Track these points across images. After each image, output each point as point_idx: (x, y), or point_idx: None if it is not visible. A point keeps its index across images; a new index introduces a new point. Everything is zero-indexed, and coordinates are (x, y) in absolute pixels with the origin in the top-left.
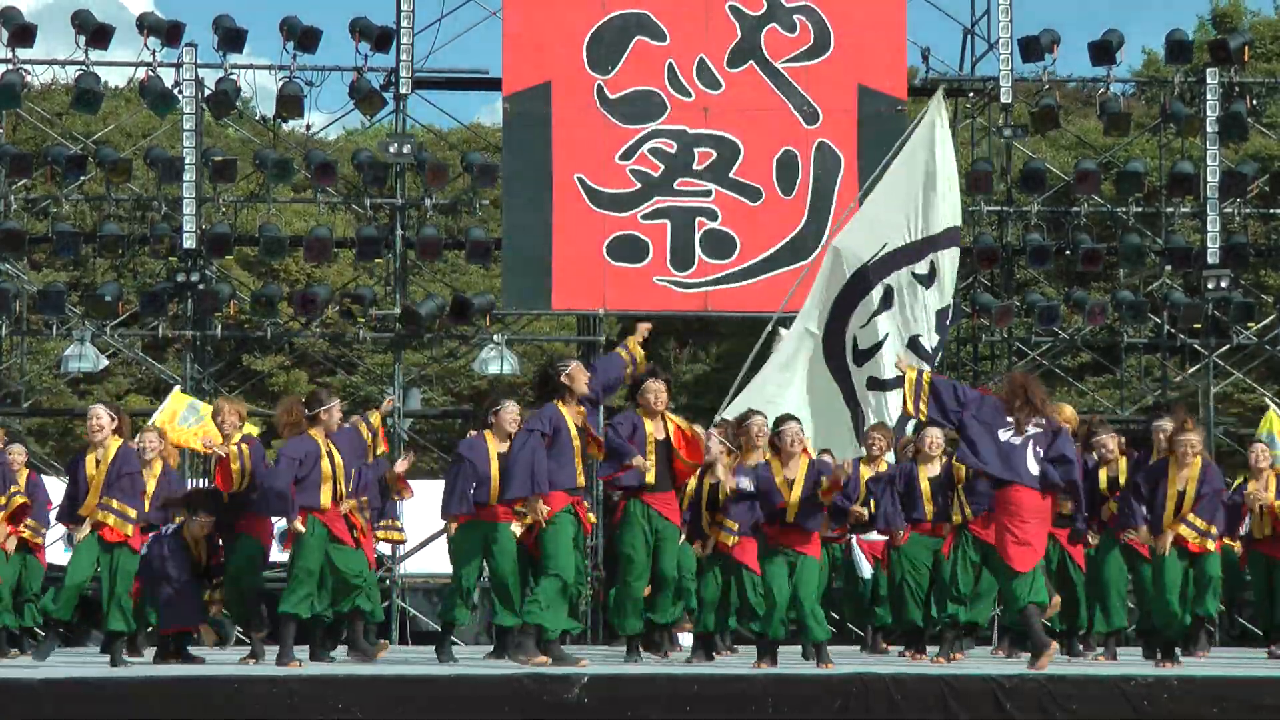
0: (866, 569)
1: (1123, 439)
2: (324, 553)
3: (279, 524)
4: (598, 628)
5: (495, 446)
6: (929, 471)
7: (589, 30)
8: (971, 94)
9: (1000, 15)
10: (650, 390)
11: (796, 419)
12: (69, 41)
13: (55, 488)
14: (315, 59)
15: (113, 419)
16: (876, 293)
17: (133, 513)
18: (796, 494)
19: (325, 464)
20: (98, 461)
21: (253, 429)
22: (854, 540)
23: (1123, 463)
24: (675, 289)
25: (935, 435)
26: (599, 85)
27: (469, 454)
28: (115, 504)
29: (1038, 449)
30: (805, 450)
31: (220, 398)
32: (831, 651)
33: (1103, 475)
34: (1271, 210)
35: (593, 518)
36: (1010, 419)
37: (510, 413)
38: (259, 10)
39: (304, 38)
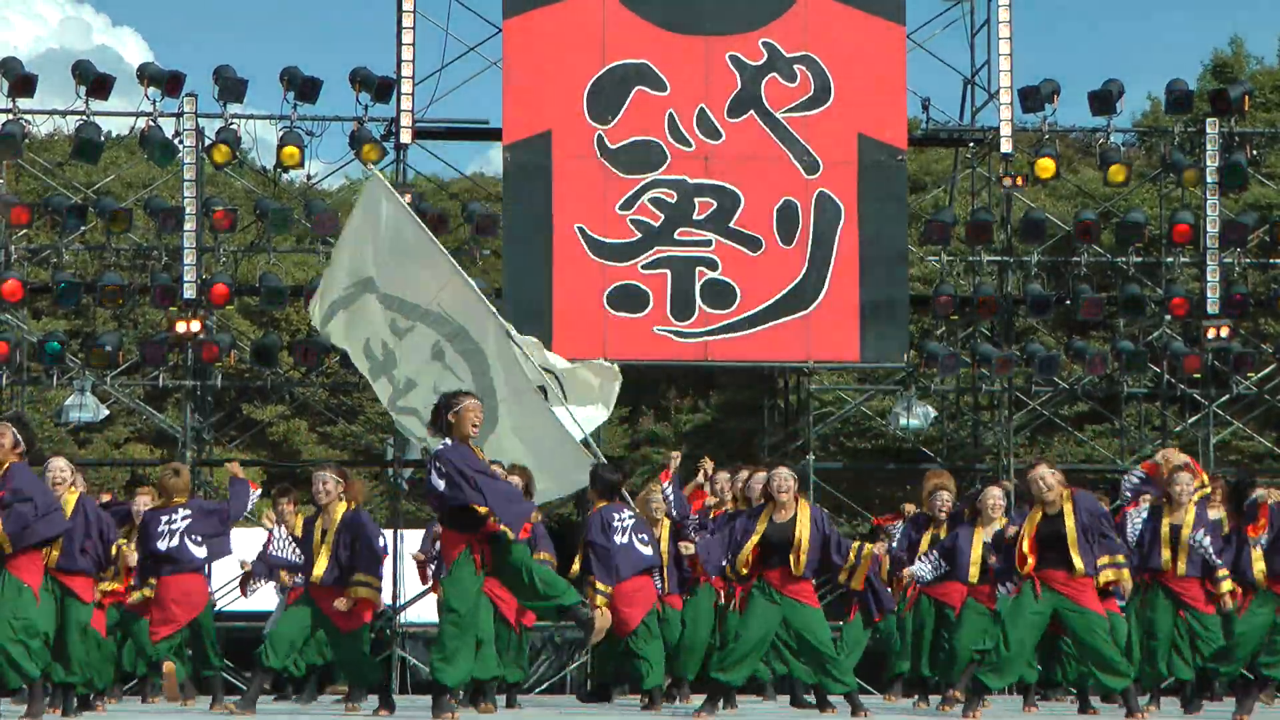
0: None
1: None
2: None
3: None
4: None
5: None
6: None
7: (589, 80)
8: (972, 144)
9: (1000, 65)
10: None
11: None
12: (68, 91)
13: None
14: (315, 109)
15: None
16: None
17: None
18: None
19: None
20: None
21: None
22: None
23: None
24: (675, 339)
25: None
26: (599, 135)
27: None
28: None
29: None
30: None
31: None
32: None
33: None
34: (1271, 260)
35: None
36: None
37: None
38: (260, 61)
39: (304, 88)
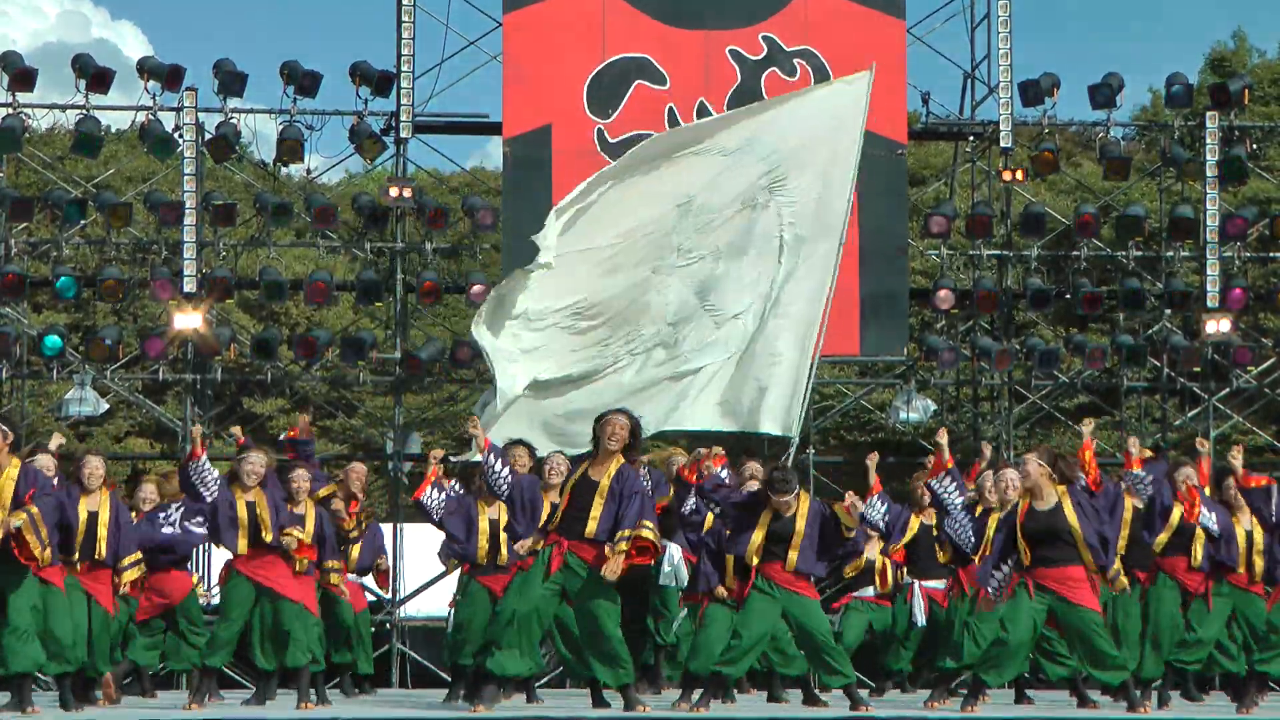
0: (920, 618)
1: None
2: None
3: None
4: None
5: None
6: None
7: (589, 74)
8: (972, 138)
9: (1000, 59)
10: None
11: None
12: (68, 85)
13: None
14: (315, 103)
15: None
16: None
17: None
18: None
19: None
20: None
21: None
22: (916, 585)
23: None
24: None
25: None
26: (599, 129)
27: None
28: None
29: None
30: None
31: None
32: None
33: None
34: (1271, 254)
35: None
36: None
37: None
38: (259, 55)
39: (304, 82)
